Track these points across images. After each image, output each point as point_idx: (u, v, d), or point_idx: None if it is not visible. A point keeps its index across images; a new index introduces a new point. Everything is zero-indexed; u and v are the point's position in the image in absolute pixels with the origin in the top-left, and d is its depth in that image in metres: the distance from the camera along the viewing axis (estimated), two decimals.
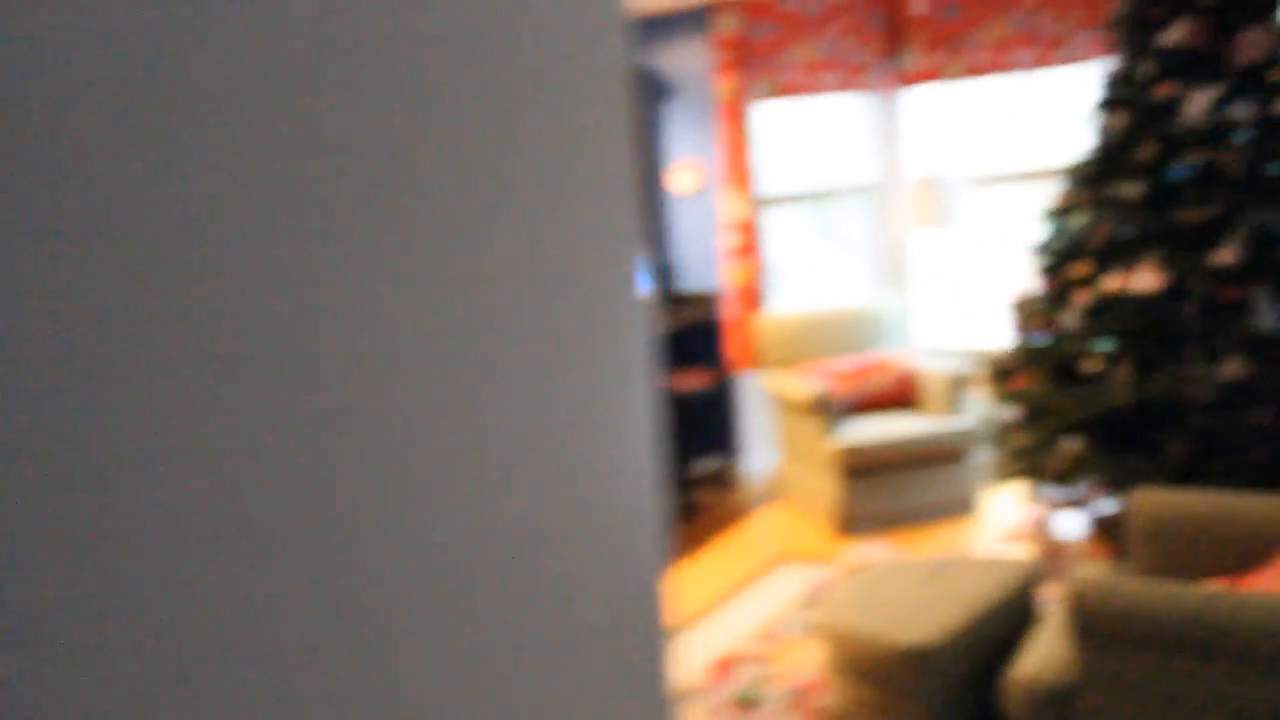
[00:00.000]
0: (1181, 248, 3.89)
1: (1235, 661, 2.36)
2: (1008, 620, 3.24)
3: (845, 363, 5.71)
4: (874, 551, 4.40)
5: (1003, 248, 6.10)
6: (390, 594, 0.47)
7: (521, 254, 0.55)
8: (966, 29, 5.61)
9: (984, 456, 4.59)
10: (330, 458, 0.44)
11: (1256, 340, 3.69)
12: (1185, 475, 3.72)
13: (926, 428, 5.30)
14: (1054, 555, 4.18)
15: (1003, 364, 4.44)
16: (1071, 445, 4.02)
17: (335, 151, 0.44)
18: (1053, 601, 4.01)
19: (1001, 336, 4.50)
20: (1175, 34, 4.05)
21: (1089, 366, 4.01)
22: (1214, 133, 3.95)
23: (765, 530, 5.64)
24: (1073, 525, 4.34)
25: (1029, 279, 4.44)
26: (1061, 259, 4.25)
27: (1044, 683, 2.63)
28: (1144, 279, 3.87)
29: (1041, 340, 4.23)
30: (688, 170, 6.48)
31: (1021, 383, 4.31)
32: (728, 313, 6.28)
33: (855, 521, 5.32)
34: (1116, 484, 3.87)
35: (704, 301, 6.52)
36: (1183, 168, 3.96)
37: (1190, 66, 4.04)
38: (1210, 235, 3.86)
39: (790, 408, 5.64)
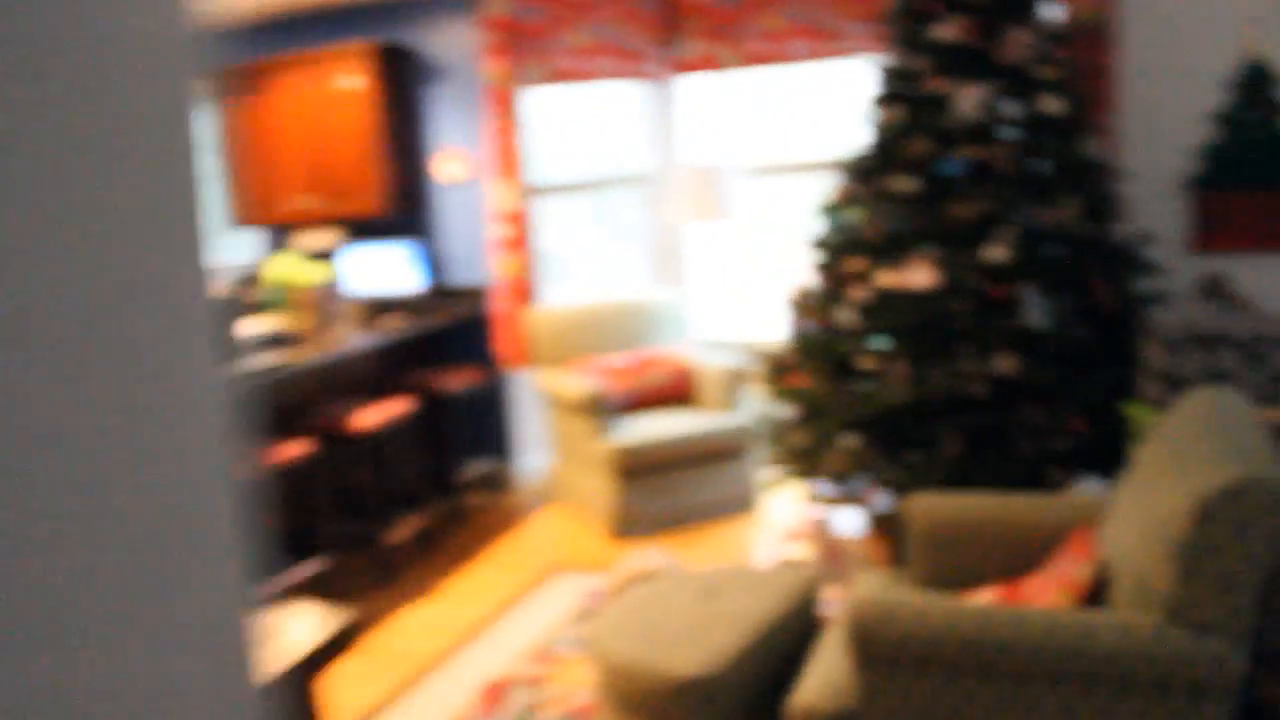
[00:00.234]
0: (954, 244, 3.83)
1: (1016, 681, 2.24)
2: (790, 637, 3.08)
3: (620, 359, 5.51)
4: (650, 558, 4.21)
5: (779, 241, 6.03)
6: None
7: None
8: (742, 18, 5.48)
9: (763, 453, 4.48)
10: None
11: (1026, 337, 3.66)
12: (961, 472, 3.66)
13: (703, 425, 5.16)
14: (834, 555, 4.08)
15: (779, 360, 4.32)
16: (848, 443, 3.92)
17: None
18: (835, 604, 3.91)
19: (779, 331, 4.38)
20: (946, 30, 4.00)
21: (865, 364, 3.91)
22: (984, 129, 3.91)
23: (539, 537, 5.40)
24: (852, 523, 4.26)
25: (806, 273, 4.33)
26: (837, 254, 4.15)
27: (824, 712, 2.46)
28: (918, 275, 3.79)
29: (818, 336, 4.12)
30: (455, 158, 6.16)
31: (798, 380, 4.20)
32: (498, 307, 6.00)
33: (632, 524, 5.13)
34: (893, 483, 3.78)
35: (473, 296, 6.21)
36: (954, 163, 3.91)
37: (961, 63, 3.99)
38: (982, 232, 3.82)
39: (563, 407, 5.40)
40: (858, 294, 4.00)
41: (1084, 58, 4.58)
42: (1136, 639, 2.14)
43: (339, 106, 6.06)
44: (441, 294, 6.27)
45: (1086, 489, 3.53)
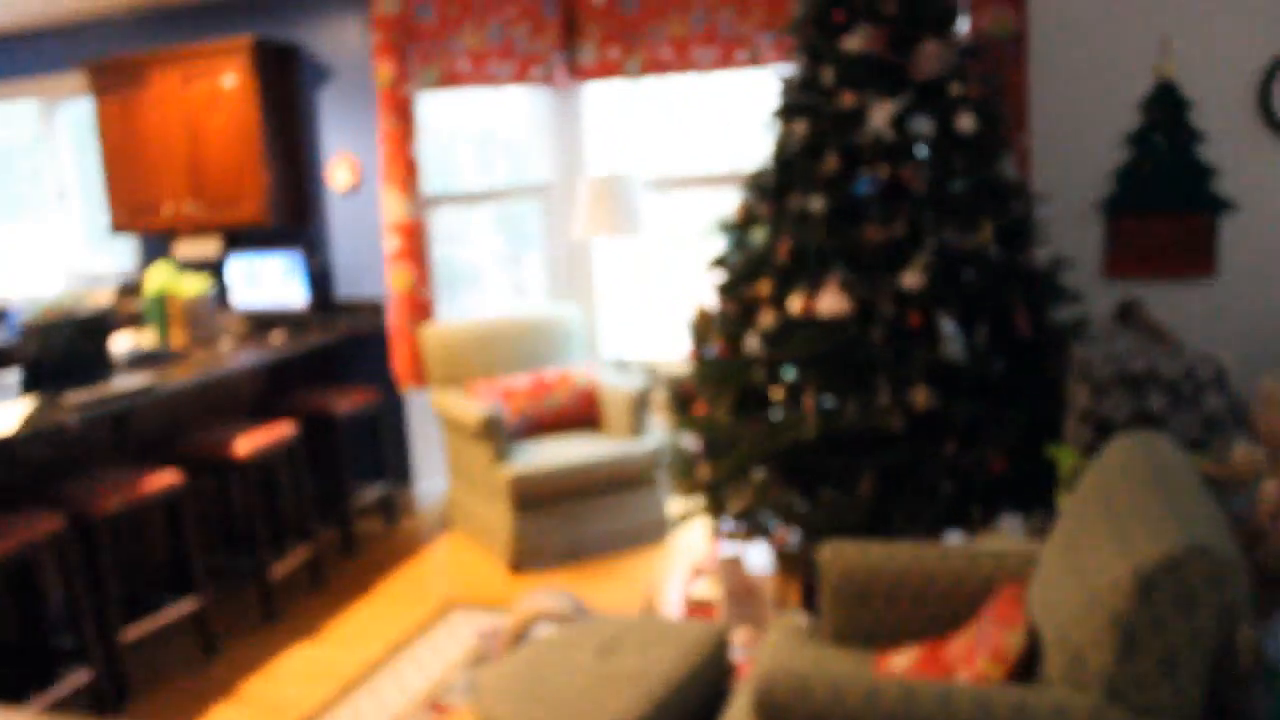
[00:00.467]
0: (866, 268, 3.65)
1: None
2: (697, 699, 2.87)
3: (520, 379, 5.26)
4: (549, 598, 3.97)
5: (686, 256, 5.81)
6: None
7: None
8: (645, 23, 5.25)
9: (670, 483, 4.27)
10: None
11: (943, 368, 3.49)
12: (876, 511, 3.48)
13: (608, 451, 4.92)
14: (744, 594, 3.88)
15: (682, 387, 4.11)
16: (756, 478, 3.73)
17: None
18: (745, 650, 3.72)
19: (685, 354, 4.16)
20: (855, 41, 3.82)
21: (774, 394, 3.72)
22: (896, 147, 3.74)
23: (435, 569, 5.12)
24: (762, 561, 4.06)
25: (709, 295, 4.13)
26: (742, 276, 3.95)
27: None
28: (829, 301, 3.61)
29: (722, 364, 3.91)
30: (346, 164, 5.84)
31: (703, 409, 3.99)
32: (392, 323, 5.70)
33: (533, 556, 4.88)
34: (805, 521, 3.60)
35: (367, 310, 5.90)
36: (866, 182, 3.73)
37: (871, 76, 3.81)
38: (896, 255, 3.65)
39: (458, 430, 5.13)
40: (764, 319, 3.80)
41: (996, 73, 4.44)
42: None
43: (217, 106, 5.70)
44: (331, 308, 5.95)
45: (1008, 528, 3.38)
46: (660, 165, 5.71)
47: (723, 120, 5.76)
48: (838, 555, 2.88)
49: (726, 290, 3.96)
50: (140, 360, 5.06)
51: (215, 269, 6.06)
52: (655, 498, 5.03)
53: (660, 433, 5.00)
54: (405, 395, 5.89)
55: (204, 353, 5.31)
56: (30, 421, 3.85)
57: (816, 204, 3.73)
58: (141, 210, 6.05)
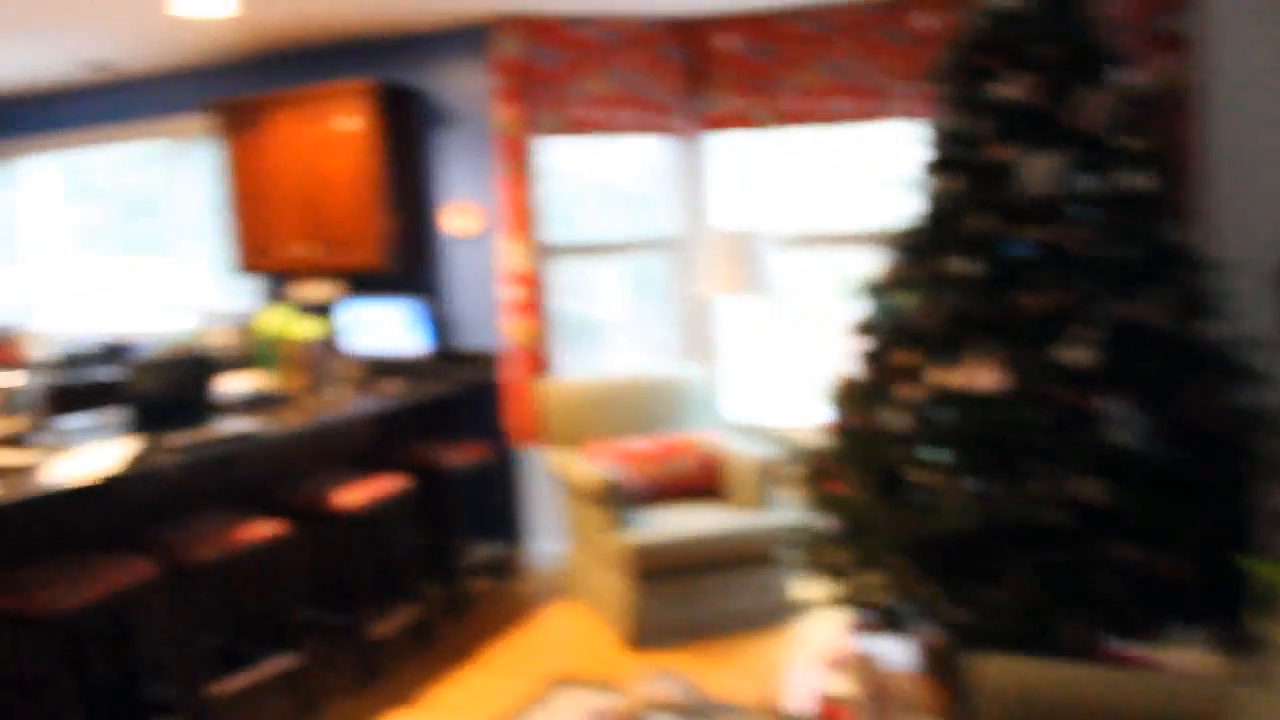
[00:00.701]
0: (1023, 340, 3.31)
1: None
2: None
3: (642, 442, 5.00)
4: (665, 684, 3.71)
5: (819, 319, 5.51)
6: None
7: None
8: (777, 71, 5.00)
9: (798, 562, 3.95)
10: None
11: (1114, 457, 3.13)
12: (1034, 616, 3.13)
13: (733, 524, 4.63)
14: (880, 695, 3.56)
15: (817, 461, 3.81)
16: (897, 568, 3.41)
17: None
18: None
19: (818, 421, 3.86)
20: (1009, 89, 3.50)
21: (918, 476, 3.39)
22: (1055, 206, 3.40)
23: (546, 638, 4.87)
24: (901, 658, 3.73)
25: (848, 360, 3.82)
26: (885, 343, 3.64)
27: None
28: (982, 375, 3.28)
29: (861, 438, 3.60)
30: (464, 211, 5.69)
31: (839, 486, 3.69)
32: (509, 377, 5.51)
33: (650, 633, 4.60)
34: (952, 620, 3.26)
35: (482, 361, 5.72)
36: (1021, 244, 3.40)
37: (1027, 127, 3.49)
38: (1055, 326, 3.30)
39: (577, 493, 4.90)
40: (908, 392, 3.49)
41: (1164, 129, 4.08)
42: None
43: (337, 149, 5.61)
44: (447, 358, 5.78)
45: (1185, 645, 3.00)
46: (789, 221, 5.43)
47: (856, 176, 5.47)
48: (994, 670, 2.55)
49: (870, 358, 3.65)
50: (251, 403, 4.94)
51: (329, 313, 5.95)
52: (778, 577, 4.71)
53: (786, 507, 4.68)
54: (520, 451, 5.68)
55: (315, 398, 5.18)
56: (131, 462, 3.75)
57: (968, 267, 3.42)
58: (263, 251, 5.99)
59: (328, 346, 5.52)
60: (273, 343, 5.58)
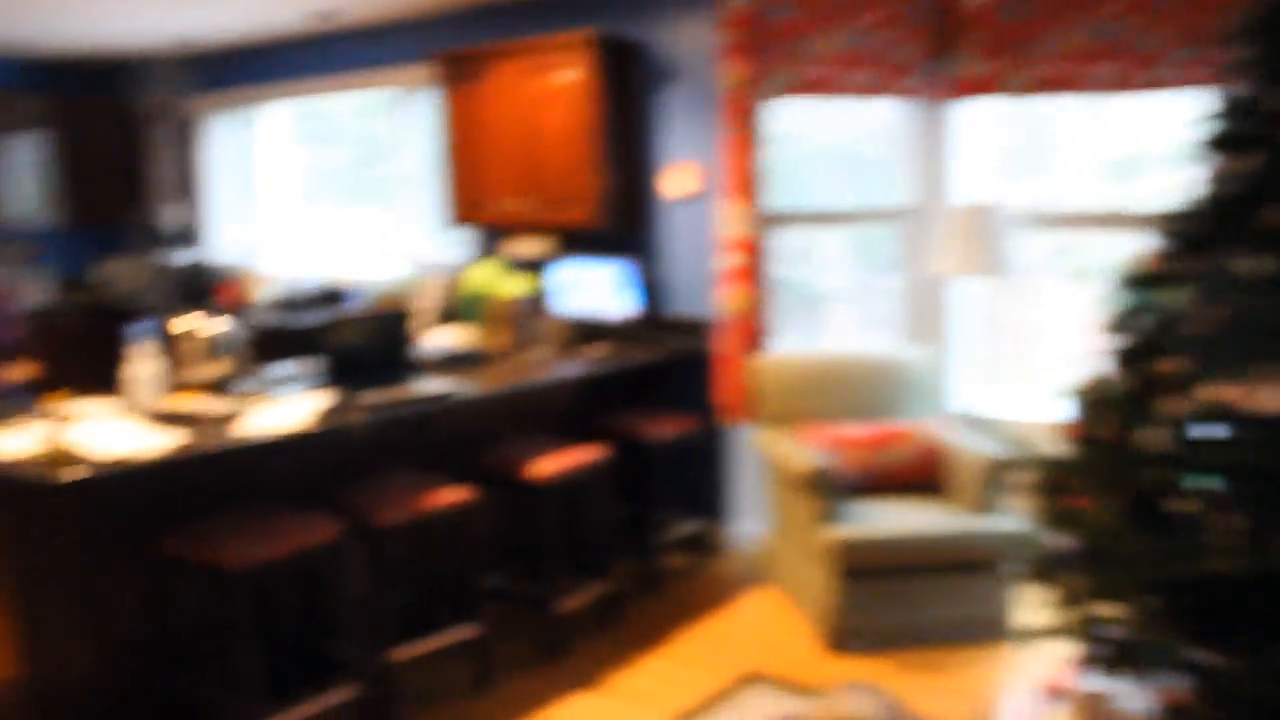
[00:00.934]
0: None
1: None
2: None
3: (858, 428, 4.65)
4: (865, 700, 3.38)
5: (1068, 306, 5.00)
6: None
7: None
8: (1035, 33, 4.49)
9: (1024, 576, 3.54)
10: None
11: None
12: None
13: (953, 525, 4.24)
14: None
15: (1057, 472, 3.37)
16: (1145, 605, 2.97)
17: None
18: None
19: (1056, 423, 3.42)
20: None
21: (1179, 505, 2.94)
22: None
23: (740, 627, 4.60)
24: (1139, 704, 3.29)
25: (1098, 359, 3.36)
26: (1146, 346, 3.18)
27: None
28: (1267, 394, 2.80)
29: (1112, 453, 3.16)
30: (683, 172, 5.42)
31: (1081, 503, 3.25)
32: (721, 348, 5.23)
33: (852, 635, 4.27)
34: (1210, 674, 2.82)
35: (693, 330, 5.46)
36: None
37: None
38: None
39: (783, 477, 4.59)
40: (1172, 406, 3.02)
41: None
42: None
43: (555, 102, 5.43)
44: (656, 324, 5.54)
45: None
46: (1038, 197, 4.93)
47: (1116, 152, 4.92)
48: None
49: (1126, 360, 3.20)
50: (451, 360, 4.84)
51: (540, 270, 5.79)
52: (998, 589, 4.28)
53: (1013, 514, 4.25)
54: (726, 427, 5.41)
55: (517, 359, 5.04)
56: (324, 418, 3.66)
57: (1258, 265, 2.92)
58: (477, 204, 5.90)
59: (535, 305, 5.37)
60: (479, 298, 5.47)
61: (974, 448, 4.42)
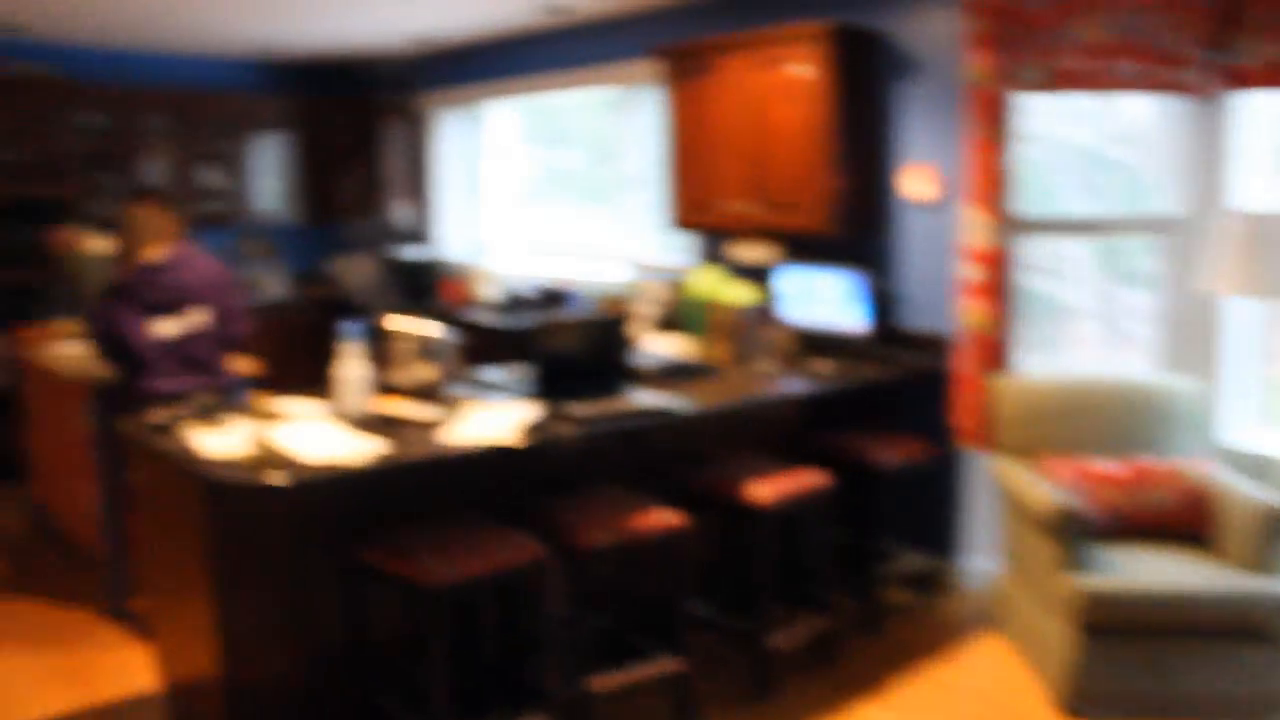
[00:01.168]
0: None
1: None
2: None
3: (1111, 463, 4.14)
4: None
5: None
6: None
7: None
8: None
9: None
10: None
11: None
12: None
13: (1222, 583, 3.69)
14: None
15: None
16: None
17: None
18: None
19: None
20: None
21: None
22: None
23: (964, 677, 4.17)
24: None
25: None
26: None
27: None
28: None
29: None
30: (922, 174, 5.00)
31: None
32: (958, 367, 4.79)
33: (1092, 700, 3.77)
34: None
35: (929, 347, 5.02)
36: None
37: None
38: None
39: (1024, 516, 4.14)
40: None
41: None
42: None
43: (786, 98, 5.10)
44: (889, 339, 5.13)
45: None
46: None
47: None
48: None
49: None
50: (670, 371, 4.59)
51: (765, 278, 5.47)
52: (1275, 662, 3.70)
53: None
54: (962, 454, 4.96)
55: (739, 373, 4.75)
56: (530, 432, 3.49)
57: None
58: (702, 206, 5.66)
59: (760, 315, 5.07)
60: (700, 305, 5.22)
61: (1249, 493, 3.85)
